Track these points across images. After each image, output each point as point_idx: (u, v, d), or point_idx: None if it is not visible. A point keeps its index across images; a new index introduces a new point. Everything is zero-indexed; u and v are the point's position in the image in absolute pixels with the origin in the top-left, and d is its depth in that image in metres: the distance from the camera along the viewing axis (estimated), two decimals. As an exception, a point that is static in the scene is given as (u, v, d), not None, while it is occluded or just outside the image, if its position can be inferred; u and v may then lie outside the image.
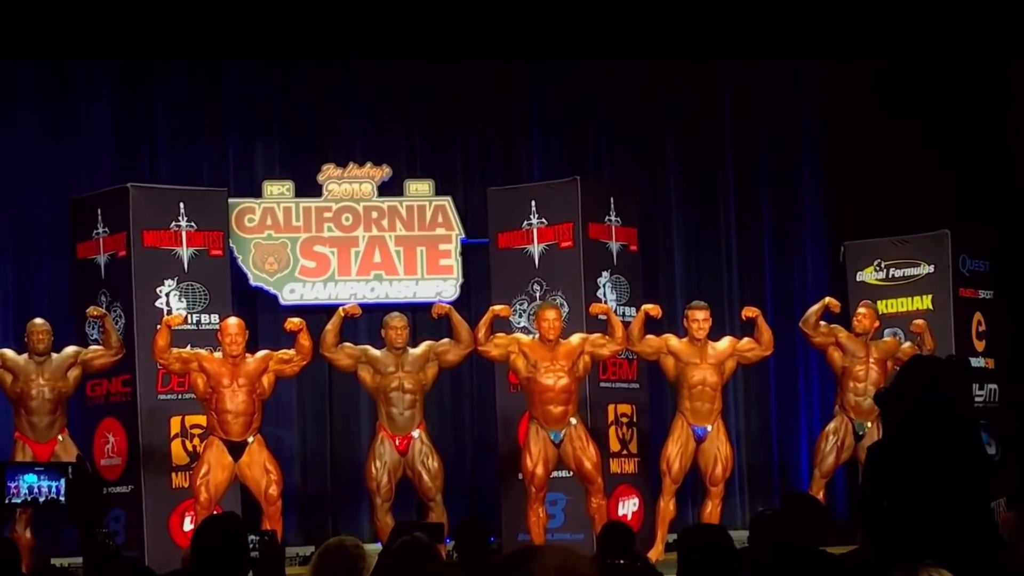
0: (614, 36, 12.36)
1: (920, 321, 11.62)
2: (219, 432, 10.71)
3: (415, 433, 11.02)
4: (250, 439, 10.75)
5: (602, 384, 11.97)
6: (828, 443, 11.50)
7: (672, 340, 11.24)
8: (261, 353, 10.95)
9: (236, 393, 10.69)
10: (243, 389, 10.69)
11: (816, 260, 13.72)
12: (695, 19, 12.16)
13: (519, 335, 11.26)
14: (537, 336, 11.14)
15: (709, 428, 11.17)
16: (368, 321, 11.96)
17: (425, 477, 10.98)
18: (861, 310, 11.49)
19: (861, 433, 11.28)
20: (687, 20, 12.17)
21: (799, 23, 12.12)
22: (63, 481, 3.48)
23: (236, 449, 10.73)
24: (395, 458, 10.99)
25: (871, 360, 11.38)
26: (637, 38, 12.38)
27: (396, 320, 11.08)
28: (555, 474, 11.34)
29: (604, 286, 12.17)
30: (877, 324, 11.60)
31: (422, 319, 12.63)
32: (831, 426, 11.54)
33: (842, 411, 11.51)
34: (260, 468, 10.77)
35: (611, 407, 12.05)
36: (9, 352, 10.89)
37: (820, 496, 11.44)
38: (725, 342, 11.33)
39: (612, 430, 12.04)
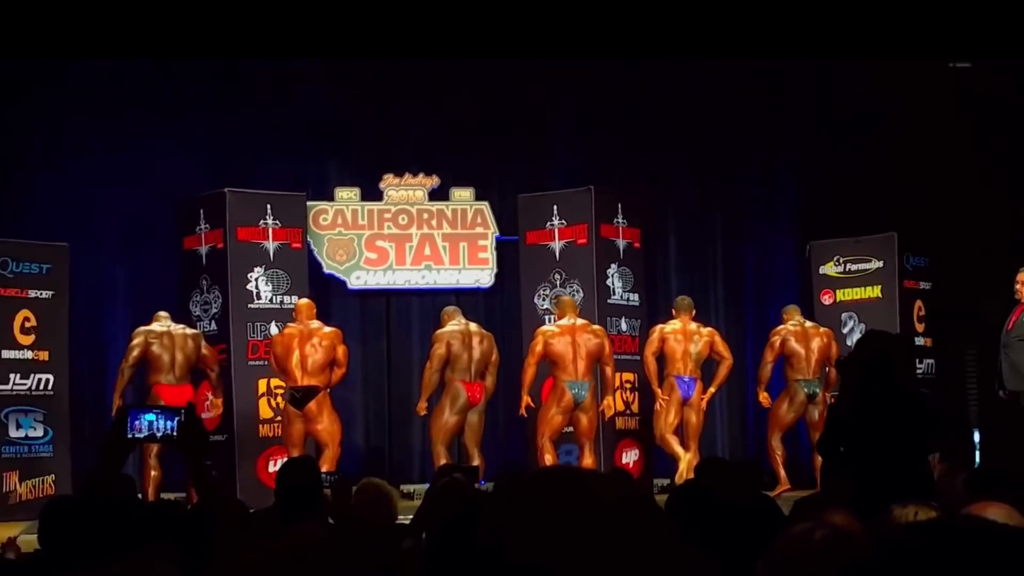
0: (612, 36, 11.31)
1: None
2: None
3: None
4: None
5: (610, 356, 11.98)
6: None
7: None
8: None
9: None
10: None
11: (787, 256, 13.74)
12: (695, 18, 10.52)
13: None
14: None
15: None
16: (420, 304, 11.98)
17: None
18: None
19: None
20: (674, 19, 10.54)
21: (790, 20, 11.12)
22: (177, 421, 3.62)
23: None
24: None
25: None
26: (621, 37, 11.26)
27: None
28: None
29: (613, 276, 12.20)
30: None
31: (464, 301, 12.70)
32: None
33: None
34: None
35: (617, 375, 12.06)
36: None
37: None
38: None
39: (618, 394, 12.06)
